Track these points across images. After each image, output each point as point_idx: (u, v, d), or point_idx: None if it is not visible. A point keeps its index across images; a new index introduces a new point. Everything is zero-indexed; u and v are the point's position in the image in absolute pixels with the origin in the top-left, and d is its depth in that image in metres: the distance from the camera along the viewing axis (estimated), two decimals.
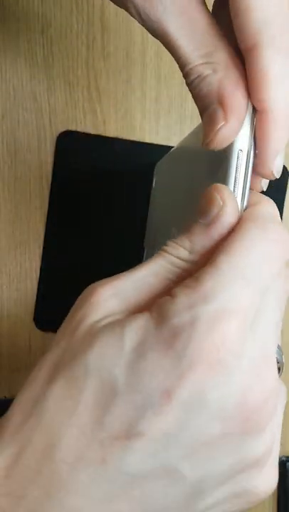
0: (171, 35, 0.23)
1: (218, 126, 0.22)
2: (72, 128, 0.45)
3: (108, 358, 0.19)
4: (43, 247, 0.46)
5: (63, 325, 0.22)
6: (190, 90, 0.24)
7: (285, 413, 0.45)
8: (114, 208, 0.45)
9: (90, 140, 0.45)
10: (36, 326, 0.46)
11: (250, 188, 0.24)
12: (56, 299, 0.46)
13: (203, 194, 0.23)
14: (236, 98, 0.22)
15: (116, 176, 0.45)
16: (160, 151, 0.43)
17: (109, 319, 0.21)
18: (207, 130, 0.23)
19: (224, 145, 0.23)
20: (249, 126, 0.23)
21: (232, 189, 0.23)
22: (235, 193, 0.23)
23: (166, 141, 0.46)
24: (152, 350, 0.19)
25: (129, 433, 0.18)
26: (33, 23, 0.45)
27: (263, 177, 0.25)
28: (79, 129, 0.45)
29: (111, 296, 0.22)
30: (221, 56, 0.23)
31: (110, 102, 0.45)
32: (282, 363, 0.23)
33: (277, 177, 0.24)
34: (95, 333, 0.20)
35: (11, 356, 0.46)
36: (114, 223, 0.45)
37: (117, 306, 0.22)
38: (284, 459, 0.47)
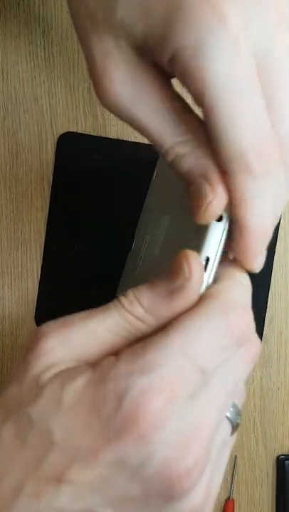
0: (139, 122, 0.24)
1: (209, 200, 0.23)
2: (73, 129, 0.46)
3: (48, 414, 0.22)
4: (44, 247, 0.46)
5: (15, 365, 0.24)
6: (171, 167, 0.24)
7: (282, 411, 0.45)
8: (115, 208, 0.46)
9: (90, 141, 0.45)
10: (37, 326, 0.46)
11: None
12: (57, 299, 0.46)
13: (175, 256, 0.23)
14: (218, 171, 0.23)
15: (116, 177, 0.45)
16: None
17: (56, 369, 0.23)
18: (198, 204, 0.23)
19: (216, 217, 0.23)
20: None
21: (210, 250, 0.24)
22: (208, 257, 0.24)
23: None
24: (85, 410, 0.21)
25: (61, 478, 0.21)
26: (34, 25, 0.45)
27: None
28: (80, 131, 0.46)
29: (59, 345, 0.23)
30: (194, 131, 0.23)
31: None
32: (236, 424, 0.25)
33: (258, 271, 0.25)
34: (40, 386, 0.22)
35: (12, 355, 0.46)
36: (114, 224, 0.46)
37: (64, 356, 0.23)
38: (283, 457, 0.48)
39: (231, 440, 0.26)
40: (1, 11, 0.45)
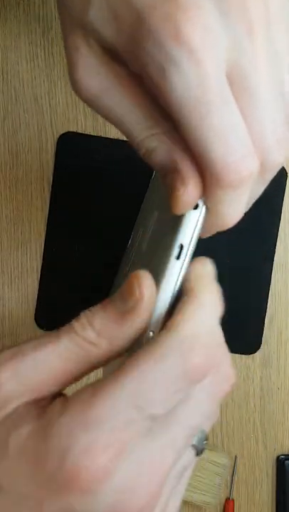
0: (109, 115, 0.24)
1: (180, 193, 0.23)
2: (73, 129, 0.46)
3: None
4: (44, 247, 0.46)
5: None
6: (144, 161, 0.25)
7: (282, 411, 0.45)
8: (115, 208, 0.46)
9: (90, 141, 0.45)
10: (37, 326, 0.46)
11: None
12: (57, 299, 0.46)
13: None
14: (189, 163, 0.23)
15: (116, 177, 0.45)
16: None
17: (6, 410, 0.23)
18: (172, 196, 0.23)
19: (189, 208, 0.24)
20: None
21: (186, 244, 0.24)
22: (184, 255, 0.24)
23: None
24: (29, 460, 0.21)
25: None
26: (34, 25, 0.45)
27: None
28: (80, 131, 0.46)
29: (10, 378, 0.23)
30: (164, 124, 0.23)
31: None
32: (201, 449, 0.25)
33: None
34: None
35: None
36: (114, 224, 0.46)
37: (16, 390, 0.23)
38: (283, 457, 0.48)
39: (194, 460, 0.25)
40: (1, 11, 0.45)
